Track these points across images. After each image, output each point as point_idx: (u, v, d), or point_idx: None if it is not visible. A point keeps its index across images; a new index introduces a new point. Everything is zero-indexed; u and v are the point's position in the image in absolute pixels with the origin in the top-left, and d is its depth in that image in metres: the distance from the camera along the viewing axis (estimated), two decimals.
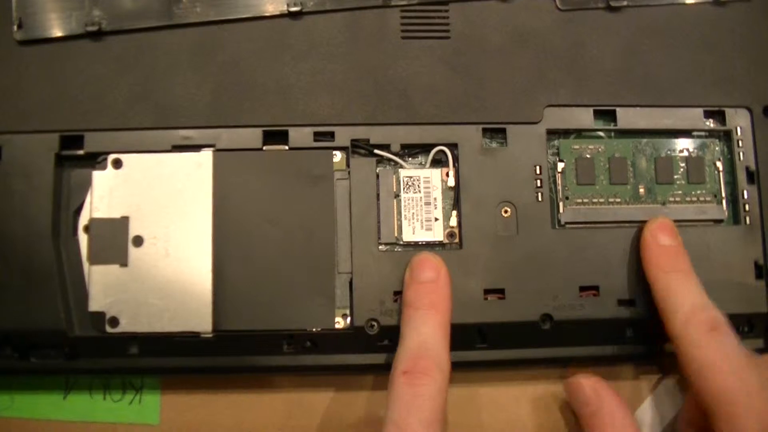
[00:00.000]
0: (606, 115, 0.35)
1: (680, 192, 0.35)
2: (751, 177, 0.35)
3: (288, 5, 0.35)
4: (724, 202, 0.35)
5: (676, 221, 0.34)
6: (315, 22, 0.35)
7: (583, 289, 0.33)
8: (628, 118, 0.35)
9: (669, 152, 0.36)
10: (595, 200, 0.35)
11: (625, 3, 0.36)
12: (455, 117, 0.34)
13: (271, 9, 0.35)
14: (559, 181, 0.35)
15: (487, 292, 0.33)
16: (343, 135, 0.33)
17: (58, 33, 0.35)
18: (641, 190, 0.35)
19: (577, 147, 0.35)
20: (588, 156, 0.35)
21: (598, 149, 0.35)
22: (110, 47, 0.35)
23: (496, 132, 0.34)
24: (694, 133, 0.36)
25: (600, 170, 0.35)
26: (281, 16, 0.35)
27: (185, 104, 0.34)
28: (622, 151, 0.35)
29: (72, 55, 0.35)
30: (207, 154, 0.33)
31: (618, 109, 0.35)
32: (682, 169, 0.35)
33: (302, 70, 0.34)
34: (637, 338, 0.34)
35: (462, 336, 0.32)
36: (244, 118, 0.34)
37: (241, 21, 0.35)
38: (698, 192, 0.35)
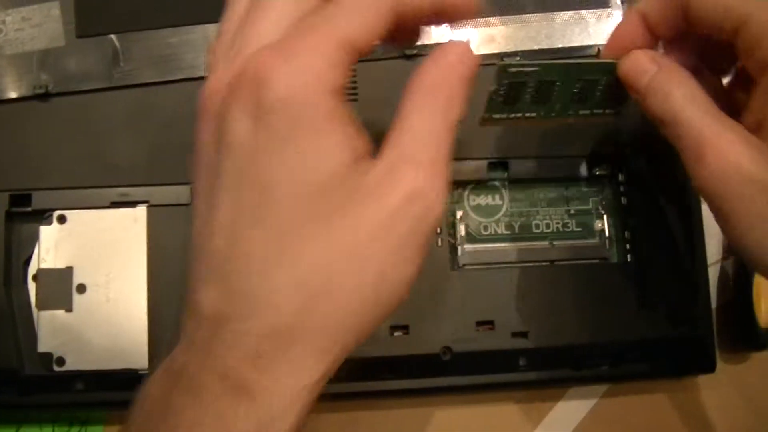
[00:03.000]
0: (499, 166, 0.39)
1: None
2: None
3: None
4: (607, 242, 0.39)
5: (564, 260, 0.38)
6: None
7: (479, 323, 0.37)
8: (519, 168, 0.39)
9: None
10: (490, 243, 0.39)
11: (517, 58, 0.39)
12: None
13: (203, 70, 0.38)
14: (458, 227, 0.38)
15: (392, 328, 0.36)
16: None
17: (11, 95, 0.38)
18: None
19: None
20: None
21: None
22: (57, 109, 0.38)
23: None
24: (580, 180, 0.40)
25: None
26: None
27: (124, 163, 0.37)
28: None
29: (22, 117, 0.38)
30: (142, 210, 0.37)
31: (510, 161, 0.39)
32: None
33: None
34: (529, 366, 0.37)
35: (370, 368, 0.36)
36: (177, 176, 0.37)
37: (178, 82, 0.38)
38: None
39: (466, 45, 0.26)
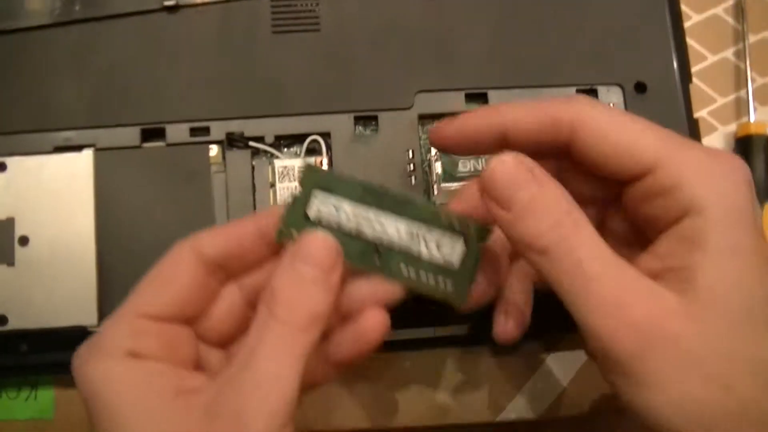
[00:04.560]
0: (478, 98, 0.36)
1: None
2: None
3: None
4: None
5: None
6: (189, 18, 0.36)
7: None
8: (500, 100, 0.36)
9: None
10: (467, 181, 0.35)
11: None
12: (328, 107, 0.35)
13: (148, 3, 0.35)
14: (433, 165, 0.35)
15: None
16: (219, 129, 0.34)
17: None
18: None
19: None
20: None
21: None
22: None
23: (368, 120, 0.35)
24: None
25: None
26: (158, 10, 0.36)
27: (65, 106, 0.35)
28: None
29: None
30: (87, 154, 0.34)
31: (489, 92, 0.36)
32: None
33: (177, 67, 0.35)
34: None
35: None
36: (123, 118, 0.34)
37: (119, 17, 0.35)
38: None
39: (320, 243, 0.25)
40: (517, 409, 0.35)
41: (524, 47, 0.36)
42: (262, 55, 0.35)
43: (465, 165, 0.36)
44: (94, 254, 0.33)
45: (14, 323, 0.33)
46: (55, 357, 0.34)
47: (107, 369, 0.25)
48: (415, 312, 0.33)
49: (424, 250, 0.27)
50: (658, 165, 0.24)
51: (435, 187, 0.35)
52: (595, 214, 0.28)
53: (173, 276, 0.26)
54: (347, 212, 0.27)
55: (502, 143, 0.27)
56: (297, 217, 0.27)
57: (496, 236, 0.26)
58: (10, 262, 0.33)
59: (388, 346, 0.33)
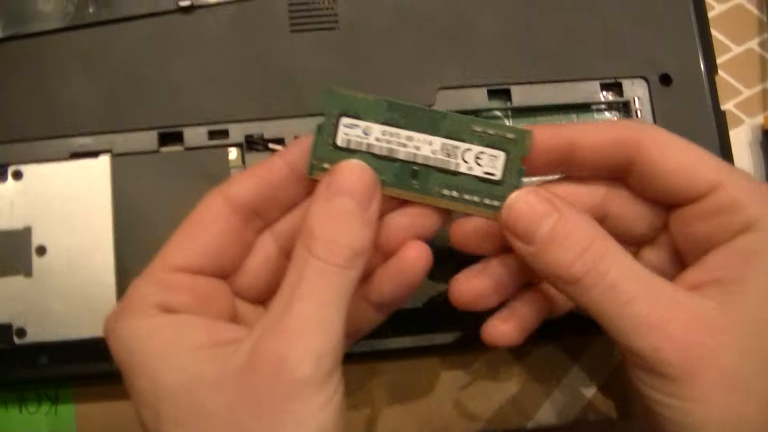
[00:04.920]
0: (500, 94, 0.35)
1: None
2: None
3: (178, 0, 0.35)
4: None
5: None
6: (204, 18, 0.35)
7: None
8: (523, 95, 0.35)
9: None
10: None
11: None
12: None
13: (162, 4, 0.35)
14: None
15: None
16: (237, 132, 0.34)
17: None
18: None
19: None
20: None
21: None
22: (6, 54, 0.35)
23: None
24: (593, 107, 0.36)
25: None
26: (173, 11, 0.35)
27: (81, 111, 0.34)
28: None
29: None
30: (104, 160, 0.34)
31: (513, 87, 0.35)
32: None
33: (194, 69, 0.34)
34: None
35: None
36: (139, 121, 0.34)
37: (133, 19, 0.35)
38: None
39: (356, 172, 0.25)
40: (546, 415, 0.34)
41: (546, 41, 0.35)
42: (280, 55, 0.35)
43: None
44: (113, 263, 0.33)
45: (33, 335, 0.33)
46: (76, 369, 0.33)
47: (138, 326, 0.24)
48: (441, 316, 0.32)
49: (462, 165, 0.26)
50: (719, 185, 0.25)
51: None
52: (633, 249, 0.28)
53: (204, 226, 0.25)
54: (377, 133, 0.26)
55: (567, 162, 0.26)
56: (325, 146, 0.26)
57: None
58: (28, 273, 0.33)
59: (417, 351, 0.33)
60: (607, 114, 0.36)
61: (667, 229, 0.27)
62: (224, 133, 0.34)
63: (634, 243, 0.28)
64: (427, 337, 0.33)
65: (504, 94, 0.35)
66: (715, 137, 0.35)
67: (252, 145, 0.34)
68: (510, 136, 0.26)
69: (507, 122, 0.35)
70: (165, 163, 0.33)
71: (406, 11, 0.35)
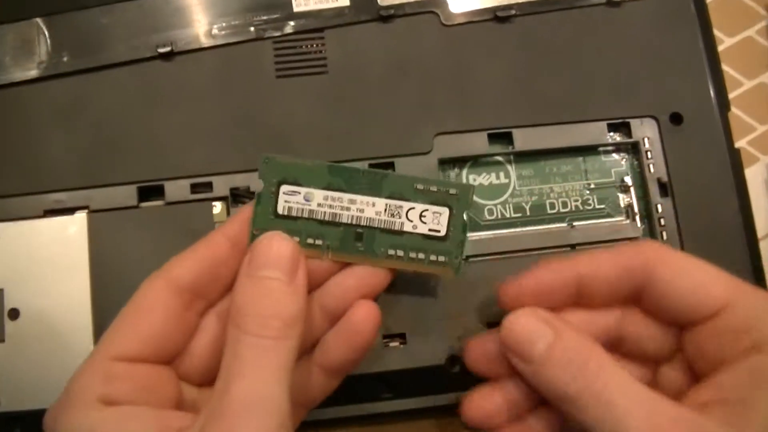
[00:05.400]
0: (501, 137, 0.33)
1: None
2: (664, 189, 0.33)
3: (157, 46, 0.33)
4: (638, 218, 0.33)
5: (588, 243, 0.32)
6: (185, 65, 0.33)
7: (491, 325, 0.31)
8: (526, 139, 0.33)
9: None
10: (498, 230, 0.33)
11: (513, 12, 0.34)
12: (339, 155, 0.32)
13: (140, 52, 0.33)
14: None
15: (386, 338, 0.31)
16: (222, 184, 0.32)
17: None
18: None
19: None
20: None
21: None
22: None
23: (385, 167, 0.32)
24: (600, 149, 0.34)
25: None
26: (153, 58, 0.33)
27: (56, 165, 0.32)
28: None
29: None
30: (81, 217, 0.32)
31: (514, 131, 0.33)
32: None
33: (174, 119, 0.32)
34: None
35: (364, 387, 0.31)
36: (118, 176, 0.32)
37: (111, 68, 0.33)
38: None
39: (276, 243, 0.25)
40: None
41: (548, 81, 0.33)
42: (266, 102, 0.33)
43: (492, 212, 0.33)
44: (90, 326, 0.31)
45: (7, 405, 0.31)
46: None
47: (80, 421, 0.23)
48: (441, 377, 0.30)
49: (407, 224, 0.26)
50: (731, 304, 0.24)
51: None
52: (648, 372, 0.28)
53: (145, 312, 0.25)
54: (319, 199, 0.26)
55: (576, 296, 0.26)
56: (265, 216, 0.26)
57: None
58: (0, 338, 0.31)
59: (415, 413, 0.31)
60: (614, 156, 0.34)
61: (683, 348, 0.26)
62: (208, 186, 0.32)
63: (651, 362, 0.27)
64: (427, 399, 0.32)
65: (505, 137, 0.33)
66: (730, 177, 0.33)
67: (237, 198, 0.32)
68: (452, 192, 0.26)
69: (509, 168, 0.34)
70: (145, 219, 0.31)
71: (399, 54, 0.33)
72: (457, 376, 0.30)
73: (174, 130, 0.32)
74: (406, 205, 0.26)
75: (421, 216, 0.26)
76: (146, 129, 0.32)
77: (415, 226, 0.26)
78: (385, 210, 0.26)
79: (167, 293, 0.25)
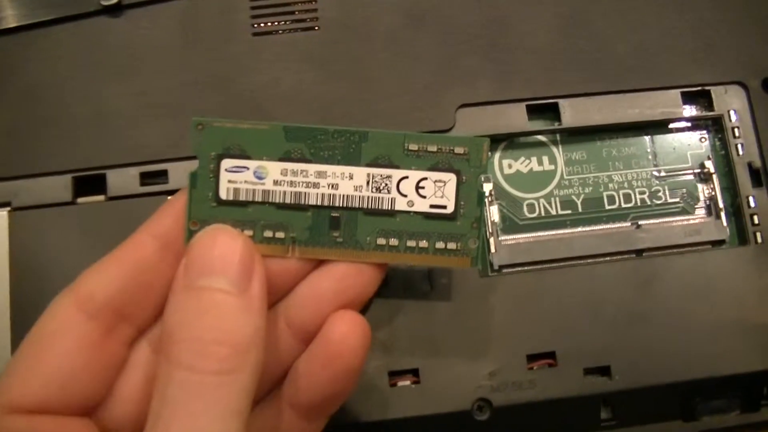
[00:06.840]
0: (545, 110, 0.27)
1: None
2: (757, 177, 0.27)
3: None
4: (723, 215, 0.27)
5: (659, 248, 0.26)
6: (137, 21, 0.27)
7: (532, 357, 0.25)
8: (576, 112, 0.27)
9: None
10: (540, 231, 0.27)
11: None
12: None
13: (80, 6, 0.27)
14: (488, 210, 0.26)
15: (394, 375, 0.25)
16: (180, 173, 0.26)
17: None
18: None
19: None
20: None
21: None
22: None
23: None
24: (671, 125, 0.28)
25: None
26: (96, 13, 0.27)
27: None
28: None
29: None
30: (1, 215, 0.26)
31: (561, 102, 0.27)
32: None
33: (122, 89, 0.27)
34: (616, 420, 0.25)
35: None
36: (49, 163, 0.26)
37: (44, 25, 0.27)
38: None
39: (221, 240, 0.20)
40: None
41: (607, 38, 0.27)
42: (239, 67, 0.27)
43: (533, 208, 0.27)
44: (9, 332, 0.26)
45: None
46: None
47: None
48: None
49: (400, 200, 0.21)
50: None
51: (492, 240, 0.26)
52: None
53: (48, 343, 0.20)
54: (275, 174, 0.20)
55: None
56: (204, 203, 0.20)
57: None
58: None
59: None
60: (691, 134, 0.28)
61: None
62: (162, 175, 0.26)
63: None
64: None
65: (550, 110, 0.27)
66: None
67: None
68: (459, 150, 0.21)
69: (555, 151, 0.27)
70: (82, 219, 0.26)
71: (412, 4, 0.27)
72: (488, 425, 0.25)
73: (121, 103, 0.27)
74: (397, 173, 0.21)
75: (418, 187, 0.21)
76: (86, 102, 0.27)
77: (411, 203, 0.21)
78: (368, 183, 0.20)
79: (78, 316, 0.20)
